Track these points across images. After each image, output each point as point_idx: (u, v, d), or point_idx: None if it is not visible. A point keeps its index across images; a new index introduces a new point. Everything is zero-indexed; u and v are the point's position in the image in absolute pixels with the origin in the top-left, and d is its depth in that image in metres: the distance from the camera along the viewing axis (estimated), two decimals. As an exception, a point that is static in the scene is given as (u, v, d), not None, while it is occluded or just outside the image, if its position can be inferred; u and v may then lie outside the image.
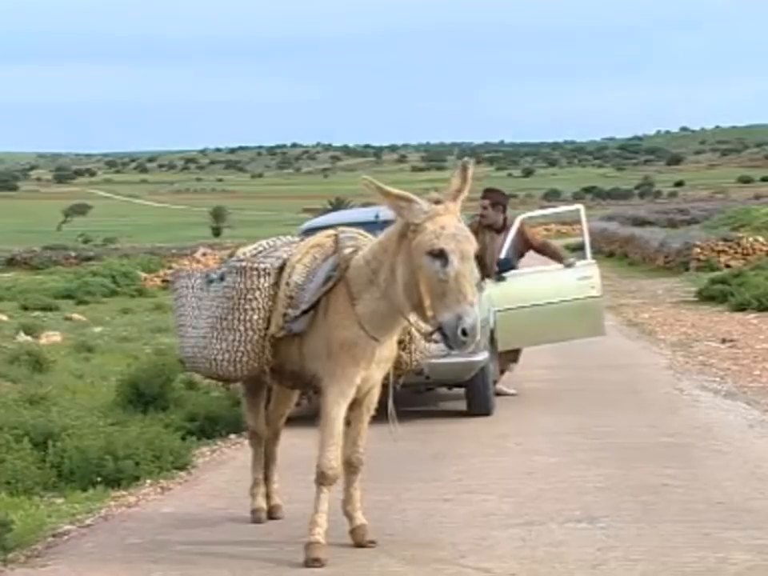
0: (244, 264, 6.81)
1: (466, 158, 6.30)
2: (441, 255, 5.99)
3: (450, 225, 6.06)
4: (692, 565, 6.09)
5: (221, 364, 6.82)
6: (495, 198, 12.55)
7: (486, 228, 12.33)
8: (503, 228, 12.41)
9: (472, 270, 6.14)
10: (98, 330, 21.69)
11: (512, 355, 12.77)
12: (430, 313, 6.04)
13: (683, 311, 22.20)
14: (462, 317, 5.90)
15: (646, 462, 8.78)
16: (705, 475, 8.26)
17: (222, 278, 6.91)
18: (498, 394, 12.12)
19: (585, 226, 13.13)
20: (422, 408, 11.83)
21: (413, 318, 6.42)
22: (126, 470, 8.71)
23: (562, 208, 13.49)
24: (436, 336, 6.14)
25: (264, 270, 6.76)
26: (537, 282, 12.64)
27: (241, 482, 8.03)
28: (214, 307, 6.87)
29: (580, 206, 13.85)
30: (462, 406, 11.55)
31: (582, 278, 12.64)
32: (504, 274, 12.33)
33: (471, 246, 6.09)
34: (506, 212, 12.66)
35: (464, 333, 5.90)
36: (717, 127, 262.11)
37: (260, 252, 7.06)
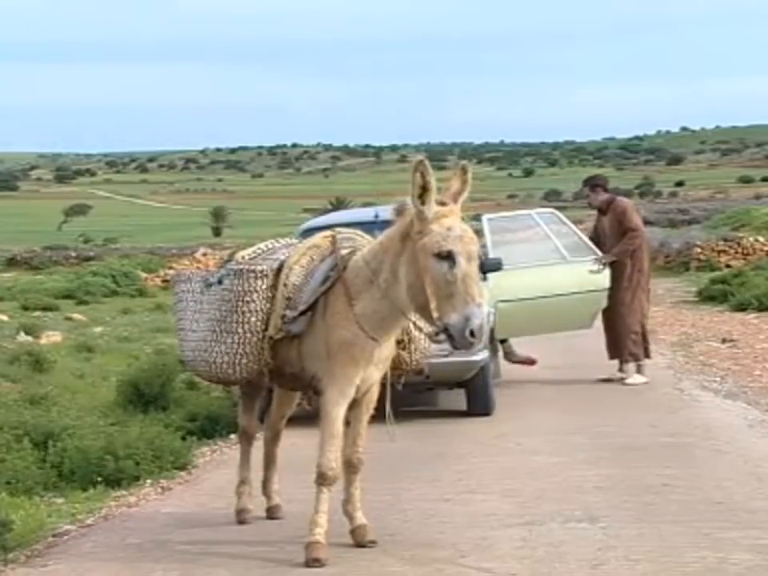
0: (241, 266, 6.83)
1: (464, 161, 6.37)
2: (448, 257, 5.99)
3: (455, 226, 6.08)
4: (692, 565, 6.08)
5: (220, 366, 6.83)
6: (591, 182, 13.79)
7: (598, 211, 13.72)
8: (607, 208, 13.45)
9: (478, 271, 6.15)
10: (98, 330, 21.67)
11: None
12: (435, 314, 6.04)
13: (683, 311, 22.21)
14: (469, 318, 5.90)
15: (646, 462, 8.78)
16: (705, 475, 8.26)
17: (220, 282, 6.91)
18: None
19: (572, 226, 13.52)
20: (422, 408, 11.84)
21: (414, 318, 6.43)
22: (126, 470, 8.72)
23: (525, 211, 13.66)
24: (441, 337, 6.14)
25: (261, 271, 6.77)
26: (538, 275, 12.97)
27: (241, 482, 8.01)
28: (213, 310, 6.88)
29: (553, 211, 13.98)
30: (462, 405, 11.55)
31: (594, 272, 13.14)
32: (488, 275, 12.02)
33: (477, 247, 6.12)
34: (605, 192, 13.63)
35: (472, 334, 5.91)
36: (717, 127, 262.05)
37: (258, 255, 7.08)
